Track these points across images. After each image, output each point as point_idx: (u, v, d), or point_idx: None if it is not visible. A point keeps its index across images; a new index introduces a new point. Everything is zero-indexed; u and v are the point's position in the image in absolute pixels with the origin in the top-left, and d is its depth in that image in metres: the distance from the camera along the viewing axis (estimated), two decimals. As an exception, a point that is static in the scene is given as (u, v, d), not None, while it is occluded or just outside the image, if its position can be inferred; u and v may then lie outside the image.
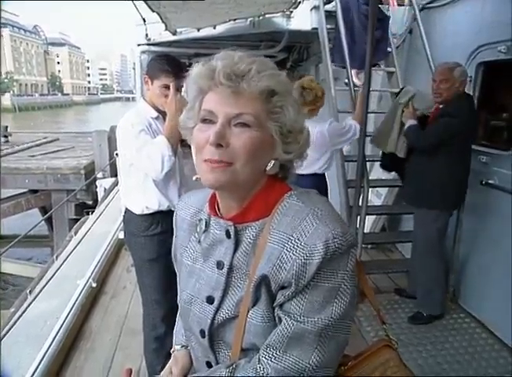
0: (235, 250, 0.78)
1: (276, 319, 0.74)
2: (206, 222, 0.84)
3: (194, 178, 1.10)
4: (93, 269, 3.33)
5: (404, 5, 4.11)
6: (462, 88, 2.64)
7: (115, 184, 6.32)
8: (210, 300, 0.81)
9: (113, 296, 3.28)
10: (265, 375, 0.72)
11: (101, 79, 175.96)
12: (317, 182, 2.72)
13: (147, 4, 3.34)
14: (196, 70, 0.75)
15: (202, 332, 0.83)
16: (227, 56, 0.74)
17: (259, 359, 0.74)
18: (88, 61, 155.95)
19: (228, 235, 0.79)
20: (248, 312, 0.75)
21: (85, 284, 3.09)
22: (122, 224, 2.24)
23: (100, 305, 3.12)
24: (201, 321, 0.82)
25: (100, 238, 4.10)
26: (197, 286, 0.84)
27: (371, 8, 2.78)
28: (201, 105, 0.76)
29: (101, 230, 4.38)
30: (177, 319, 1.05)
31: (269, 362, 0.72)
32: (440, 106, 2.73)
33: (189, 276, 0.87)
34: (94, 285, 3.17)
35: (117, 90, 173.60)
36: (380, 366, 0.81)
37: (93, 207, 7.46)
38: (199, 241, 0.85)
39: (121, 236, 4.25)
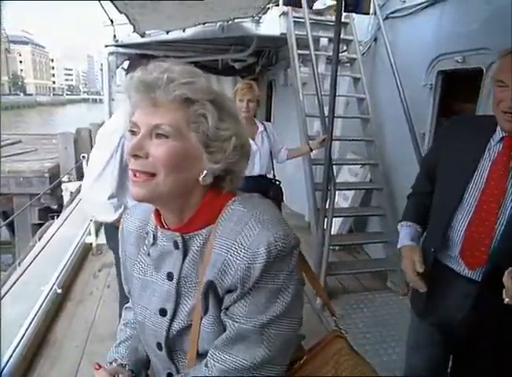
0: (184, 260, 0.79)
1: (224, 323, 0.76)
2: (153, 235, 0.84)
3: None
4: (58, 274, 3.23)
5: (369, 14, 4.25)
6: None
7: (82, 187, 6.16)
8: (163, 312, 0.81)
9: (79, 302, 3.20)
10: (209, 375, 0.74)
11: (67, 80, 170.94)
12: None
13: (114, 5, 3.30)
14: (126, 82, 0.75)
15: (158, 345, 0.83)
16: (149, 66, 0.74)
17: (207, 362, 0.76)
18: (53, 61, 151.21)
19: (176, 246, 0.79)
20: (201, 319, 0.76)
21: (50, 290, 3.00)
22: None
23: (65, 312, 3.04)
24: (156, 334, 0.83)
25: (65, 243, 3.99)
26: (152, 299, 0.84)
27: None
28: (132, 116, 0.76)
29: (67, 235, 4.26)
30: (118, 331, 1.04)
31: (216, 363, 0.74)
32: None
33: (142, 290, 0.87)
34: (59, 291, 3.08)
35: (84, 92, 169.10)
36: (334, 355, 0.86)
37: (59, 212, 7.24)
38: (149, 254, 0.85)
39: (88, 240, 4.17)
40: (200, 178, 0.76)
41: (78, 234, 4.12)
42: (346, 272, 3.59)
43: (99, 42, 5.08)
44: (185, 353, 0.81)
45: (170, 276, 0.80)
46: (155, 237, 0.83)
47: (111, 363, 0.94)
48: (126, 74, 1.86)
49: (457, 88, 3.11)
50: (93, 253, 4.11)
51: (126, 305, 1.06)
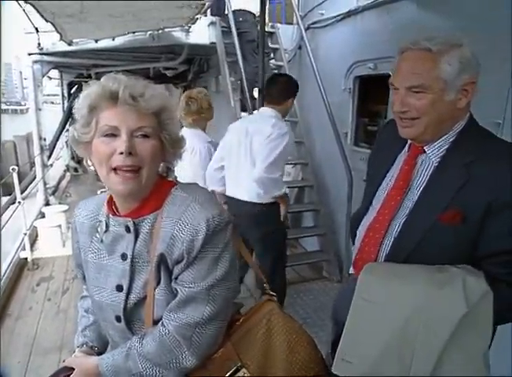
0: (136, 241, 0.93)
1: (174, 291, 0.91)
2: (106, 223, 0.97)
3: (99, 192, 1.20)
4: (-6, 291, 3.11)
5: (292, 24, 4.55)
6: (466, 103, 1.04)
7: (11, 202, 5.84)
8: (119, 288, 0.94)
9: (18, 317, 3.09)
10: (166, 333, 0.89)
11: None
12: None
13: (40, 14, 3.27)
14: (92, 90, 0.88)
15: (117, 318, 0.96)
16: (121, 79, 0.88)
17: (162, 322, 0.91)
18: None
19: (127, 229, 0.93)
20: (154, 290, 0.91)
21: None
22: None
23: (4, 328, 2.93)
24: (115, 308, 0.95)
25: (-3, 260, 3.81)
26: (108, 279, 0.96)
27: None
28: (98, 121, 0.87)
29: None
30: (79, 318, 1.14)
31: (170, 322, 0.89)
32: (428, 149, 1.11)
33: (97, 272, 0.98)
34: (-4, 308, 2.98)
35: (2, 102, 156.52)
36: (266, 314, 1.04)
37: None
38: (102, 240, 0.97)
39: (23, 255, 4.01)
40: (160, 169, 0.95)
41: (11, 250, 3.94)
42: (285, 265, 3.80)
43: (17, 49, 4.90)
44: (142, 322, 0.94)
45: (124, 257, 0.94)
46: (107, 225, 0.96)
47: (82, 346, 1.06)
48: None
49: (372, 91, 3.46)
50: (29, 268, 3.96)
51: (81, 295, 1.16)
